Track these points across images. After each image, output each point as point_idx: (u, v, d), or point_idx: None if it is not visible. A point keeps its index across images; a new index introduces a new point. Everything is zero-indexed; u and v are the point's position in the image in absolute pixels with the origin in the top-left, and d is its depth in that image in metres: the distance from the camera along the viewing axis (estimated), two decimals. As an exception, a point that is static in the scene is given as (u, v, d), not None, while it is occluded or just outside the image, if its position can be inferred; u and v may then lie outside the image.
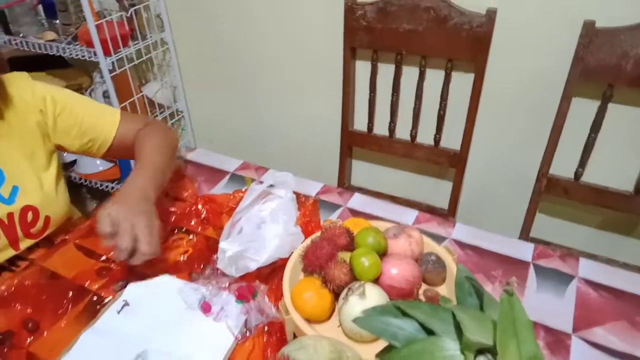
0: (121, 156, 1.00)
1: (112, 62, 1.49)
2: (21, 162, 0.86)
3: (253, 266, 0.75)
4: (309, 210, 0.94)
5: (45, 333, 0.72)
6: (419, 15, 1.22)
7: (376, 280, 0.70)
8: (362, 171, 1.65)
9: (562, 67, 1.14)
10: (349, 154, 1.57)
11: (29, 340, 0.71)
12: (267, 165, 1.13)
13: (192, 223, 0.94)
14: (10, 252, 0.87)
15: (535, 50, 1.22)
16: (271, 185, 0.93)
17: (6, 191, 0.84)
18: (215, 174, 1.10)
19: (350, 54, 1.36)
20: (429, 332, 0.40)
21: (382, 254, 0.74)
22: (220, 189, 1.05)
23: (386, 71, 1.38)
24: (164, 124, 1.02)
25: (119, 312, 0.74)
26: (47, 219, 0.90)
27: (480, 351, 0.37)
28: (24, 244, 0.88)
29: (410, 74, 1.36)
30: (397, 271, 0.71)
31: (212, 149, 1.21)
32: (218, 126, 1.89)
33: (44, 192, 0.88)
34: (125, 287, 0.78)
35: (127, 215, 0.72)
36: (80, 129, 0.91)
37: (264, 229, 0.80)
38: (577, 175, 1.22)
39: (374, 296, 0.66)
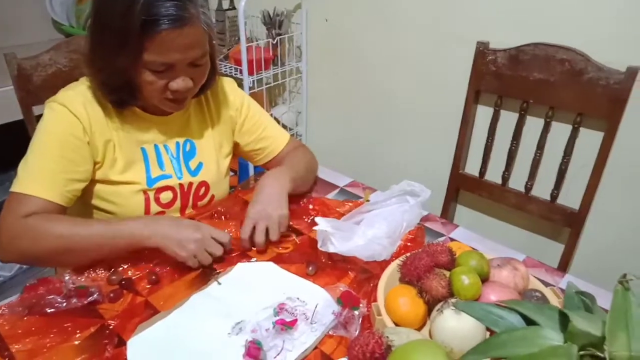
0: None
1: (253, 81, 1.68)
2: (211, 146, 1.02)
3: (331, 249, 0.79)
4: (414, 234, 0.95)
5: (163, 287, 0.82)
6: (552, 66, 1.21)
7: (473, 303, 0.70)
8: (466, 218, 1.61)
9: None
10: (455, 197, 1.55)
11: (147, 289, 0.81)
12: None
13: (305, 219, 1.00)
14: (176, 215, 0.99)
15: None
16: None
17: (194, 164, 1.00)
18: (325, 186, 1.17)
19: (474, 97, 1.38)
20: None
21: (483, 280, 0.73)
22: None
23: (508, 118, 1.37)
24: (311, 153, 1.18)
25: (219, 284, 0.82)
26: (212, 197, 1.04)
27: (585, 348, 0.36)
28: (187, 212, 1.01)
29: (533, 124, 1.34)
30: (497, 298, 0.69)
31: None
32: (331, 151, 1.99)
33: (218, 174, 1.04)
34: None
35: (262, 215, 0.89)
36: (259, 136, 1.08)
37: (368, 225, 0.84)
38: None
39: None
